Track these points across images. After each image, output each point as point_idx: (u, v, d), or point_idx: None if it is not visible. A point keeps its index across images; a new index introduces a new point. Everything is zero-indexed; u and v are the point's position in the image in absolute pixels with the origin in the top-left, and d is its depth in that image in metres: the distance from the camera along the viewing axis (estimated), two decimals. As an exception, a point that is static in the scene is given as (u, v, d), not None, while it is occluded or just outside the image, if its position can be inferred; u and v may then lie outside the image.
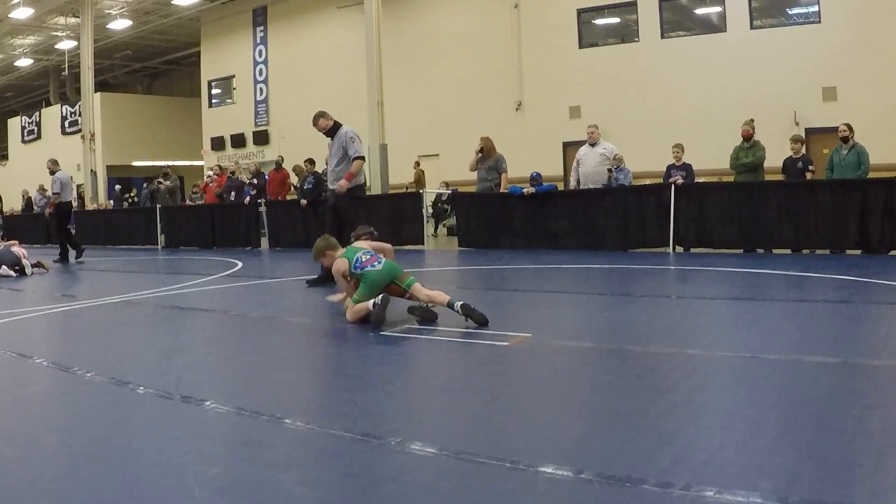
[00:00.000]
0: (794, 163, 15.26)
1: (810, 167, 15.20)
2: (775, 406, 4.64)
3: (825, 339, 6.75)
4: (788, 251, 14.21)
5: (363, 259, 8.46)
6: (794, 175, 15.11)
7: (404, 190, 25.87)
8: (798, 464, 3.69)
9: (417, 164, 29.53)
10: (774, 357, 5.86)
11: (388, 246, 9.10)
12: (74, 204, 29.90)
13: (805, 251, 14.26)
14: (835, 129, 14.88)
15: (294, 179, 23.20)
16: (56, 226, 20.14)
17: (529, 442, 4.21)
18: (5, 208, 38.53)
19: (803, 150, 15.72)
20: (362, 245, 8.84)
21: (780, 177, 15.70)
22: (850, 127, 14.44)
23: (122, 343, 8.24)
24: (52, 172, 19.82)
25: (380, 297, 8.10)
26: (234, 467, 4.01)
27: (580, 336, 7.33)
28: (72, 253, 19.15)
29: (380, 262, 8.41)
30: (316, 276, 11.25)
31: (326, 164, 13.41)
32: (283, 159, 24.72)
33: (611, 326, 7.89)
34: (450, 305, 7.97)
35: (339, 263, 8.57)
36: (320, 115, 11.64)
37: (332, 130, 11.61)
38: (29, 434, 4.84)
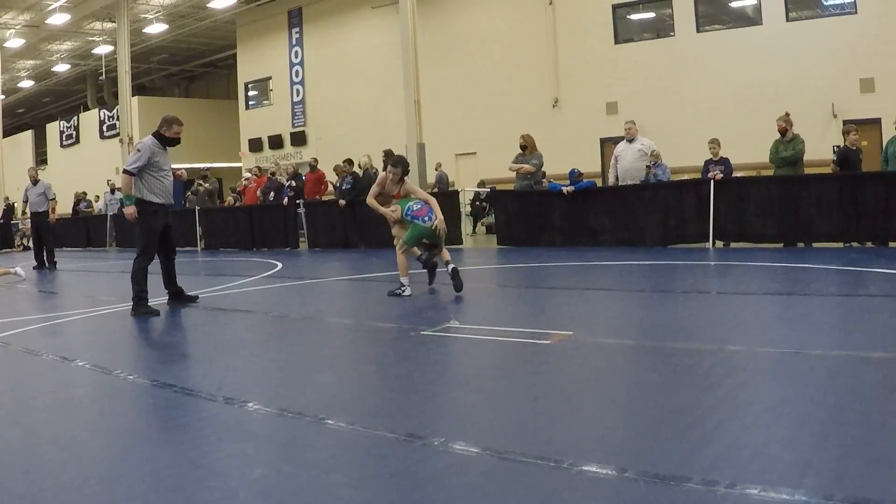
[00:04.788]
0: (856, 154, 14.97)
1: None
2: (820, 403, 4.61)
3: (869, 335, 6.66)
4: (829, 245, 14.07)
5: (414, 208, 10.38)
6: (856, 167, 14.83)
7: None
8: (844, 461, 3.67)
9: (438, 165, 29.39)
10: (818, 353, 5.83)
11: (432, 199, 10.78)
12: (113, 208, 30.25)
13: (843, 244, 14.10)
14: (873, 121, 14.68)
15: (333, 179, 23.24)
16: (48, 232, 20.19)
17: (573, 441, 4.22)
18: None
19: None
20: (415, 196, 10.71)
21: (819, 170, 15.54)
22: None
23: (164, 345, 8.32)
24: (37, 180, 20.10)
25: (426, 253, 10.54)
26: (279, 468, 4.03)
27: (622, 333, 7.31)
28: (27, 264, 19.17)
29: (429, 218, 10.28)
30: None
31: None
32: (316, 161, 24.79)
33: (652, 323, 7.87)
34: (446, 263, 10.35)
35: (395, 208, 10.53)
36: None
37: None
38: (73, 436, 4.91)
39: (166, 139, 10.46)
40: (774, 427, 4.22)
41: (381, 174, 11.19)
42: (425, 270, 10.81)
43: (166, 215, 10.55)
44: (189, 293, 10.86)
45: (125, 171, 10.34)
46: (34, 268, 19.28)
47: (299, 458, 4.20)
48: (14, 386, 6.57)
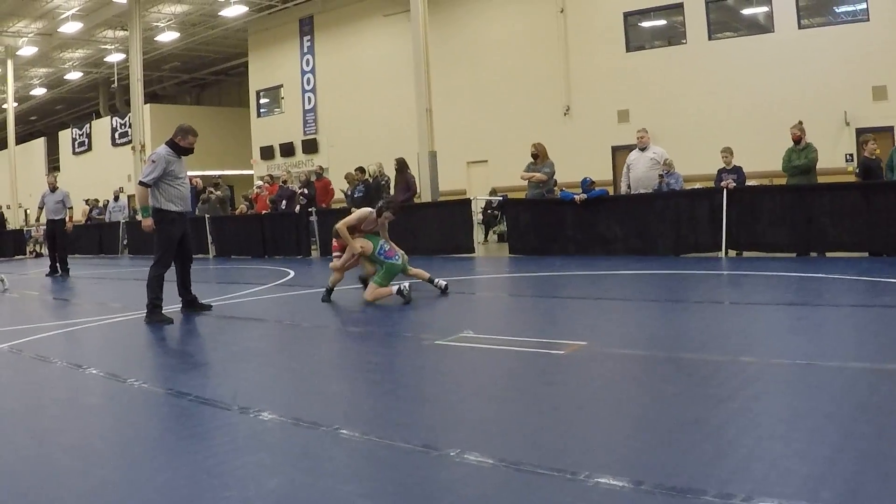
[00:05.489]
0: (876, 163, 14.89)
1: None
2: (835, 415, 4.61)
3: (885, 346, 6.63)
4: (842, 254, 14.01)
5: (385, 248, 11.02)
6: (878, 176, 14.72)
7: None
8: (859, 474, 3.68)
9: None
10: (832, 364, 5.82)
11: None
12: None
13: (857, 254, 14.04)
14: (886, 129, 14.61)
15: (343, 186, 23.27)
16: (64, 239, 20.31)
17: (587, 452, 4.23)
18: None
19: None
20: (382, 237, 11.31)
21: (831, 178, 15.49)
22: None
23: (178, 353, 8.35)
24: (56, 188, 20.22)
25: (406, 283, 10.78)
26: (294, 479, 4.05)
27: (635, 344, 7.30)
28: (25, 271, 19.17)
29: (398, 257, 11.03)
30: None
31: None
32: (322, 169, 24.91)
33: (666, 334, 7.86)
34: (430, 281, 11.28)
35: (366, 244, 10.95)
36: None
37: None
38: (88, 445, 4.94)
39: (180, 148, 10.51)
40: (789, 440, 4.21)
41: (365, 210, 11.34)
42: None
43: (184, 223, 10.59)
44: (202, 301, 10.89)
45: (140, 183, 10.39)
46: (47, 275, 19.36)
47: (315, 469, 4.21)
48: (27, 393, 6.61)
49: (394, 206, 11.53)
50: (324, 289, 11.34)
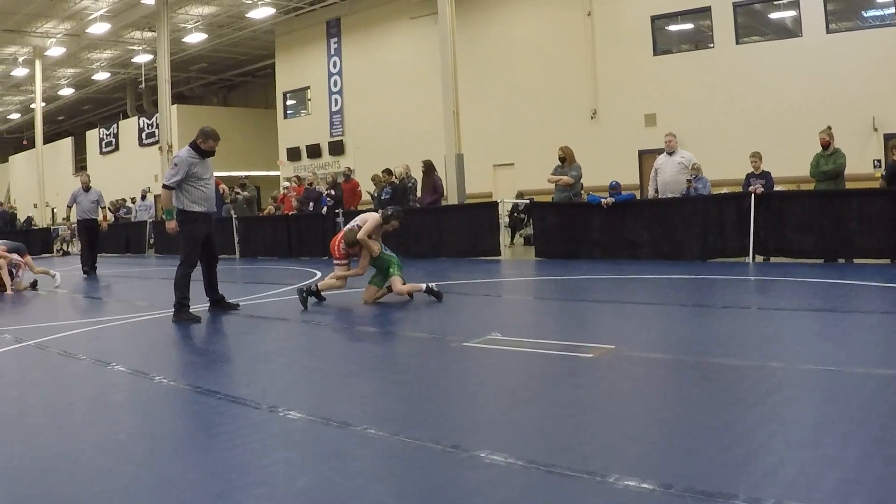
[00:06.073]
0: None
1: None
2: (864, 421, 4.61)
3: (913, 353, 6.60)
4: (870, 261, 13.94)
5: (386, 247, 11.38)
6: None
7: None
8: (889, 479, 3.68)
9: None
10: (861, 371, 5.81)
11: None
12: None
13: (884, 261, 13.95)
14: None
15: (370, 188, 23.30)
16: (97, 240, 20.42)
17: (617, 455, 4.24)
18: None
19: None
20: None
21: (859, 184, 15.40)
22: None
23: (205, 352, 8.41)
24: (89, 187, 20.26)
25: (433, 284, 11.23)
26: (324, 478, 4.08)
27: (663, 348, 7.29)
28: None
29: (392, 252, 11.44)
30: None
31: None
32: (350, 170, 24.91)
33: (694, 338, 7.85)
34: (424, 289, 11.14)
35: (374, 245, 11.17)
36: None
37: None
38: (117, 441, 4.99)
39: (202, 151, 10.59)
40: (819, 445, 4.21)
41: (377, 217, 11.50)
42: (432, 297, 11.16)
43: (208, 223, 10.65)
44: (230, 301, 10.96)
45: (164, 186, 10.50)
46: (84, 274, 19.54)
47: (344, 468, 4.22)
48: (56, 390, 6.67)
49: (401, 216, 11.75)
50: (308, 289, 11.26)
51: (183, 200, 10.38)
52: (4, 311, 13.05)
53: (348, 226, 11.56)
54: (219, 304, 10.85)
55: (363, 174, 26.85)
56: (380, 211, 11.92)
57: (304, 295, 10.99)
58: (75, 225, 21.87)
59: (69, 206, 20.63)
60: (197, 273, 10.58)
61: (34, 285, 15.69)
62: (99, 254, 20.35)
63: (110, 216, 26.21)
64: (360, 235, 11.09)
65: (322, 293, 11.34)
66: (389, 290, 11.20)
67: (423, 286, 11.04)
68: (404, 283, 11.13)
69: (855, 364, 6.03)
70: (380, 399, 5.85)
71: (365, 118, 37.21)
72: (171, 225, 10.36)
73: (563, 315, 10.27)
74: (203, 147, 10.56)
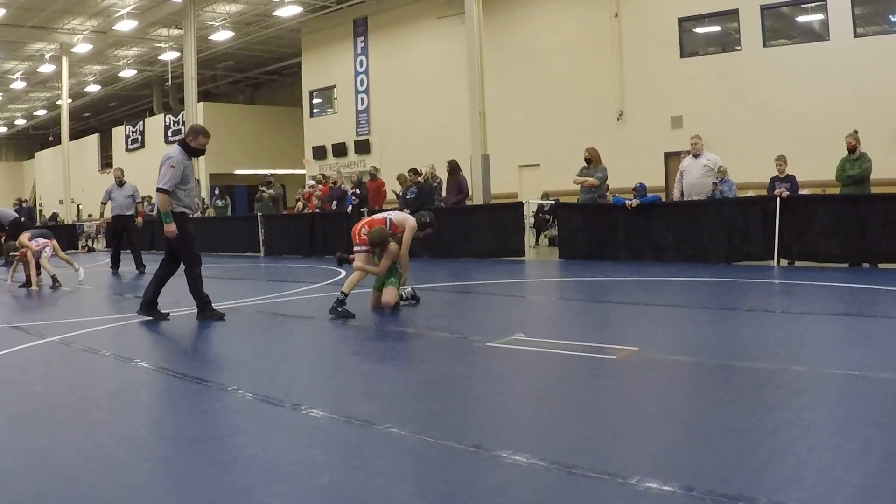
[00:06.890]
0: None
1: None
2: (886, 426, 4.62)
3: (937, 358, 6.58)
4: (895, 266, 13.87)
5: None
6: None
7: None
8: (911, 485, 3.68)
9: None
10: (884, 376, 5.80)
11: None
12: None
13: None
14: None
15: (396, 187, 23.33)
16: (134, 234, 19.70)
17: (639, 457, 4.26)
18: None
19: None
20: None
21: (885, 189, 15.33)
22: None
23: (229, 350, 8.44)
24: (123, 182, 19.92)
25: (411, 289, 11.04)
26: (346, 476, 4.10)
27: (687, 350, 7.30)
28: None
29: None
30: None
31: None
32: (376, 169, 24.96)
33: (717, 341, 7.86)
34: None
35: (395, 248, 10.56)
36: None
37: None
38: (139, 438, 5.06)
39: (192, 149, 10.41)
40: (841, 450, 4.22)
41: (413, 226, 10.85)
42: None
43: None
44: (164, 311, 10.62)
45: (161, 190, 10.15)
46: (112, 271, 19.31)
47: (366, 466, 4.25)
48: (79, 386, 6.77)
49: (435, 225, 11.65)
50: (337, 302, 10.24)
51: (172, 202, 10.23)
52: (30, 307, 13.17)
53: (377, 216, 11.02)
54: (149, 307, 10.49)
55: (388, 173, 26.89)
56: (415, 215, 11.38)
57: (339, 309, 10.04)
58: (107, 221, 21.47)
59: (103, 203, 20.31)
60: (179, 271, 10.57)
61: (54, 284, 15.70)
62: (124, 251, 19.73)
63: (146, 208, 26.11)
64: (403, 252, 10.71)
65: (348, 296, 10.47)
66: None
67: (402, 293, 10.84)
68: (394, 297, 10.62)
69: (878, 369, 6.03)
70: (402, 398, 5.89)
71: (391, 117, 37.22)
72: (172, 228, 10.15)
73: (586, 316, 10.28)
74: (193, 145, 10.37)
